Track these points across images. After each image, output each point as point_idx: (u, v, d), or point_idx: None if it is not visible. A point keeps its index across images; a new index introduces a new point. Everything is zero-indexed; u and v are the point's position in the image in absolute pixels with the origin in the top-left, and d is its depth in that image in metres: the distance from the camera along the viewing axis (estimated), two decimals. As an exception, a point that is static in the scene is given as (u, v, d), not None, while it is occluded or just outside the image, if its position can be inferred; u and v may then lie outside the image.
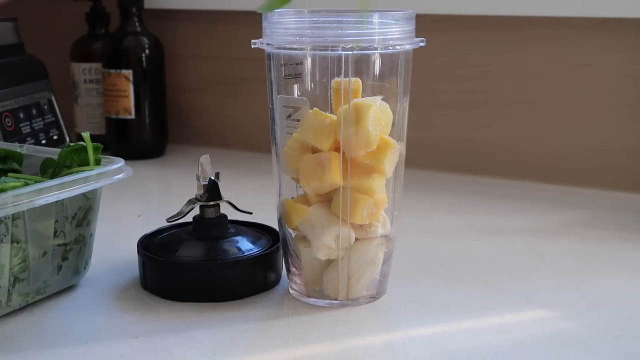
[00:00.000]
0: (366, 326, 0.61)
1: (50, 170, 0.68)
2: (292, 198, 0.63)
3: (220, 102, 1.19)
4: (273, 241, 0.68)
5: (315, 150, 0.60)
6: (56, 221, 0.63)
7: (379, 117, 0.59)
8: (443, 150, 1.04)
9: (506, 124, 1.00)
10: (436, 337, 0.58)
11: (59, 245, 0.64)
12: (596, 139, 0.96)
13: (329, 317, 0.62)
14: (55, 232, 0.63)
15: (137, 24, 1.12)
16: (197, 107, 1.21)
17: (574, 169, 0.97)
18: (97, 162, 0.66)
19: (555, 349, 0.56)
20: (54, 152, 0.69)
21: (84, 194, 0.64)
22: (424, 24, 1.02)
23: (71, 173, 0.64)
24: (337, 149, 0.60)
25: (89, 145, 0.66)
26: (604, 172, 0.96)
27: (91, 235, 0.67)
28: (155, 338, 0.58)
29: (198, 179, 0.67)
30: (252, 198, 0.74)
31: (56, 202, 0.61)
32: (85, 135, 0.67)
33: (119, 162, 0.66)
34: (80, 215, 0.65)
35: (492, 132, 1.01)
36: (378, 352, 0.56)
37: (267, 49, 0.61)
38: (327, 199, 0.62)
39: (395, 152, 0.61)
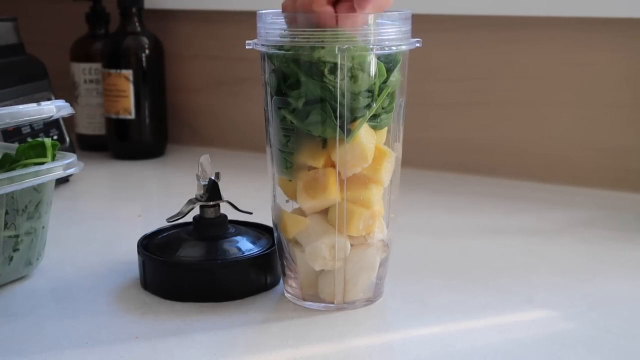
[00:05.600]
0: (366, 326, 0.61)
1: (8, 164, 0.69)
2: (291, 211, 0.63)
3: (221, 102, 1.19)
4: (273, 241, 0.68)
5: (310, 168, 0.60)
6: (6, 213, 0.64)
7: (371, 130, 0.60)
8: (443, 150, 1.04)
9: (506, 124, 1.00)
10: (436, 337, 0.58)
11: (9, 237, 0.65)
12: (596, 139, 0.96)
13: (329, 317, 0.62)
14: (5, 224, 0.64)
15: (137, 24, 1.12)
16: (197, 107, 1.21)
17: (574, 169, 0.97)
18: (54, 159, 0.68)
19: (555, 349, 0.56)
20: (12, 148, 0.70)
21: (34, 187, 0.65)
22: (424, 24, 1.02)
23: (25, 166, 0.66)
24: (332, 165, 0.60)
25: (47, 142, 0.68)
26: (604, 172, 0.96)
27: (43, 227, 0.69)
28: (155, 338, 0.58)
29: (198, 179, 0.67)
30: (252, 198, 0.74)
31: (6, 194, 0.63)
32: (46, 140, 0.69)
33: (71, 157, 0.67)
34: (31, 207, 0.67)
35: (492, 132, 1.01)
36: (378, 352, 0.56)
37: (262, 49, 0.61)
38: (324, 209, 0.61)
39: (392, 160, 0.61)
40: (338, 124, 0.58)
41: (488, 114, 1.01)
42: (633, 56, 0.93)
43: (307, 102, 0.58)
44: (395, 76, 0.60)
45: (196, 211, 0.68)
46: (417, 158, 1.05)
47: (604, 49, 0.94)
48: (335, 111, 0.58)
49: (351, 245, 0.61)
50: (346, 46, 0.57)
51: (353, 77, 0.57)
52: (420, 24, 1.02)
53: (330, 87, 0.58)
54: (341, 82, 0.57)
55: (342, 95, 0.58)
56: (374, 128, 0.60)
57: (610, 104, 0.95)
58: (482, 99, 1.01)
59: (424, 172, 1.03)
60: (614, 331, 0.59)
